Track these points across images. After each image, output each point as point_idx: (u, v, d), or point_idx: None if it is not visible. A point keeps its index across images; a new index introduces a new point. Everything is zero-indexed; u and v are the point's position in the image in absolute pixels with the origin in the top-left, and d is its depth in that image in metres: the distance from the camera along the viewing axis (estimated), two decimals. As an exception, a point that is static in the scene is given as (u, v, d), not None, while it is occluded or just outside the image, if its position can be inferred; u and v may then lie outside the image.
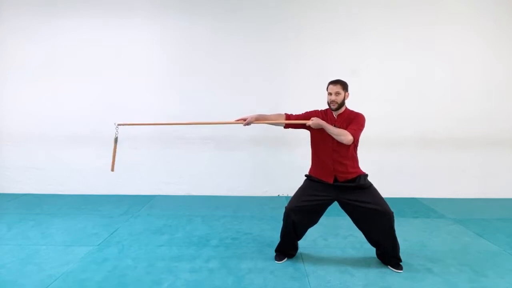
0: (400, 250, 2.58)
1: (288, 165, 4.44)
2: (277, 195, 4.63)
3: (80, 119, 4.50)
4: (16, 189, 4.62)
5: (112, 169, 2.77)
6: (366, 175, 2.56)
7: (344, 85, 2.50)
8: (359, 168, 2.56)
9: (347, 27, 4.38)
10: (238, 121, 2.62)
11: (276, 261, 2.66)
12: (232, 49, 4.43)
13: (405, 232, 3.24)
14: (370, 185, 2.52)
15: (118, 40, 4.43)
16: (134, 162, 4.55)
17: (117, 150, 2.73)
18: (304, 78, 4.42)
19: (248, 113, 4.51)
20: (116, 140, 2.68)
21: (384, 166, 4.45)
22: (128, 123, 2.85)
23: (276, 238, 2.89)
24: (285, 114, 2.66)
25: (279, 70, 4.44)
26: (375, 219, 2.45)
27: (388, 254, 2.57)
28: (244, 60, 4.44)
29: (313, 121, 2.46)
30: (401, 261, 2.57)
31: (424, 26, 4.37)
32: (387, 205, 2.45)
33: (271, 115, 2.67)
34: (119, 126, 2.65)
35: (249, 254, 2.80)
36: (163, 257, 2.73)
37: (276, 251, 2.75)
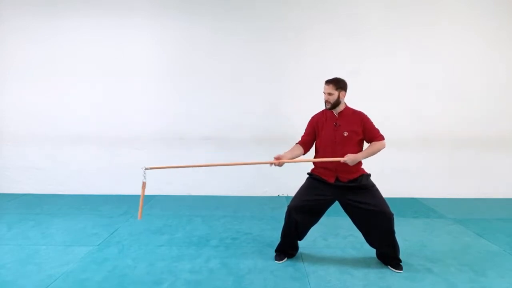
0: (400, 250, 2.58)
1: (288, 165, 4.41)
2: (277, 195, 4.63)
3: (80, 119, 4.50)
4: (16, 189, 4.62)
5: (140, 217, 2.50)
6: (369, 175, 2.56)
7: (337, 84, 2.48)
8: (361, 168, 2.56)
9: (347, 27, 4.38)
10: (271, 162, 2.53)
11: (276, 261, 2.66)
12: (232, 49, 4.42)
13: (405, 232, 3.24)
14: (373, 185, 2.52)
15: (118, 40, 4.43)
16: (134, 162, 4.55)
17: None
18: (304, 78, 4.41)
19: (248, 113, 4.53)
20: (144, 185, 2.44)
21: (384, 166, 4.44)
22: (156, 167, 2.56)
23: (276, 238, 2.89)
24: (298, 143, 2.67)
25: (279, 70, 4.44)
26: (375, 220, 2.45)
27: (388, 255, 2.57)
28: (244, 60, 4.44)
29: (349, 158, 2.39)
30: (401, 261, 2.57)
31: (424, 26, 4.37)
32: (387, 206, 2.45)
33: (293, 150, 2.62)
34: (146, 171, 2.42)
35: (249, 254, 2.80)
36: (163, 257, 2.73)
37: (276, 251, 2.75)
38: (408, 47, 4.40)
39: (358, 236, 2.99)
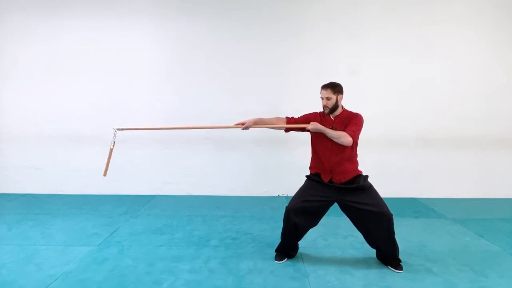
0: (400, 250, 2.58)
1: (288, 165, 4.44)
2: (277, 195, 4.63)
3: (80, 119, 4.50)
4: (16, 189, 4.62)
5: (105, 174, 2.71)
6: (366, 176, 2.56)
7: (334, 88, 2.48)
8: (357, 168, 2.56)
9: (347, 27, 4.38)
10: (236, 125, 2.62)
11: (276, 261, 2.66)
12: (232, 49, 4.42)
13: (405, 232, 3.24)
14: (370, 186, 2.53)
15: (118, 40, 4.43)
16: (134, 162, 4.56)
17: (113, 152, 2.69)
18: (304, 78, 4.41)
19: (248, 113, 4.51)
20: (113, 144, 2.66)
21: (384, 166, 4.45)
22: (126, 127, 2.76)
23: (276, 238, 2.89)
24: (286, 117, 2.69)
25: (279, 70, 4.44)
26: (375, 221, 2.45)
27: (388, 255, 2.57)
28: (244, 60, 4.44)
29: (312, 126, 2.47)
30: (401, 261, 2.57)
31: (424, 26, 4.36)
32: (386, 207, 2.45)
33: (270, 118, 2.69)
34: (117, 131, 2.62)
35: (249, 254, 2.80)
36: (163, 257, 2.73)
37: (276, 251, 2.75)
38: (407, 47, 4.39)
39: (358, 236, 2.99)
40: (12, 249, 2.87)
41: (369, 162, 4.33)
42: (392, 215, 2.44)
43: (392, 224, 2.45)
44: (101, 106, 4.48)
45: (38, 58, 4.45)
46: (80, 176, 4.60)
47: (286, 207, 2.55)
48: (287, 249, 2.70)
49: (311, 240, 3.04)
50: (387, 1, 4.35)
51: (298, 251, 2.78)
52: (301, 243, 2.80)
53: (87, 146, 4.54)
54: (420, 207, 4.12)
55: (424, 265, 2.62)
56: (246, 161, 4.57)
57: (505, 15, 4.37)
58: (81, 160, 4.57)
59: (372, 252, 2.72)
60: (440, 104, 4.44)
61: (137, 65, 4.46)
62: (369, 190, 2.50)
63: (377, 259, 2.68)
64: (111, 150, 2.65)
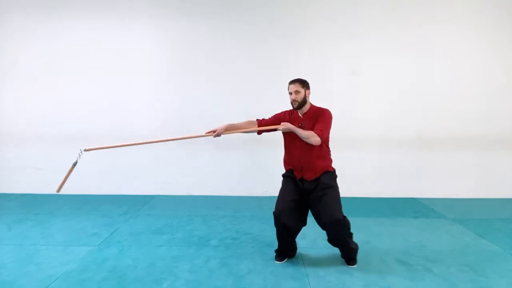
0: (400, 250, 2.57)
1: (288, 165, 4.43)
2: (277, 195, 4.61)
3: (80, 119, 4.50)
4: (16, 189, 4.61)
5: (58, 190, 2.70)
6: (335, 175, 2.58)
7: (302, 83, 2.53)
8: (329, 165, 2.58)
9: (347, 27, 4.38)
10: (208, 133, 2.62)
11: (276, 261, 2.66)
12: (232, 49, 4.43)
13: (405, 232, 3.22)
14: (332, 186, 2.51)
15: (118, 40, 4.43)
16: (134, 162, 4.56)
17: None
18: (303, 78, 4.40)
19: (247, 113, 4.52)
20: (75, 164, 2.65)
21: (384, 166, 4.44)
22: (94, 147, 2.82)
23: (276, 238, 2.88)
24: (257, 120, 2.72)
25: (279, 70, 4.43)
26: (328, 227, 2.47)
27: (345, 255, 2.61)
28: (243, 60, 4.44)
29: (283, 126, 2.49)
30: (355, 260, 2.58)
31: (424, 26, 4.37)
32: (338, 211, 2.43)
33: (241, 123, 2.70)
34: (83, 152, 2.65)
35: (249, 254, 2.80)
36: (163, 257, 2.73)
37: (276, 251, 2.75)
38: (407, 47, 4.39)
39: (357, 236, 2.97)
40: (12, 249, 2.87)
41: (369, 162, 4.36)
42: (342, 219, 2.41)
43: (345, 228, 2.45)
44: (101, 106, 4.48)
45: (38, 58, 4.45)
46: (80, 176, 4.58)
47: (274, 212, 2.55)
48: (285, 249, 2.70)
49: (311, 240, 3.04)
50: (387, 1, 4.36)
51: (298, 251, 2.78)
52: (301, 243, 2.80)
53: (87, 146, 4.51)
54: (420, 207, 4.12)
55: (424, 265, 2.62)
56: (246, 161, 4.57)
57: (505, 15, 4.37)
58: (81, 160, 4.55)
59: (372, 252, 2.72)
60: (440, 104, 4.44)
61: (137, 65, 4.46)
62: (329, 190, 2.48)
63: (377, 259, 2.67)
64: (72, 169, 2.66)
